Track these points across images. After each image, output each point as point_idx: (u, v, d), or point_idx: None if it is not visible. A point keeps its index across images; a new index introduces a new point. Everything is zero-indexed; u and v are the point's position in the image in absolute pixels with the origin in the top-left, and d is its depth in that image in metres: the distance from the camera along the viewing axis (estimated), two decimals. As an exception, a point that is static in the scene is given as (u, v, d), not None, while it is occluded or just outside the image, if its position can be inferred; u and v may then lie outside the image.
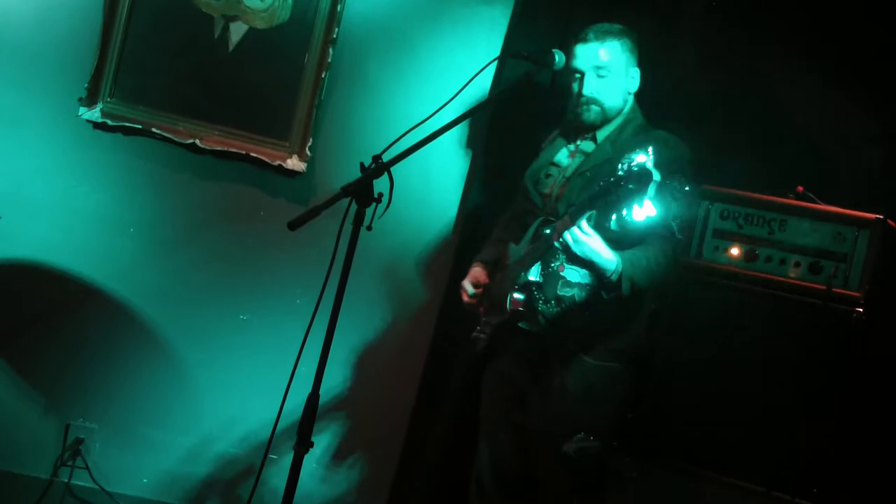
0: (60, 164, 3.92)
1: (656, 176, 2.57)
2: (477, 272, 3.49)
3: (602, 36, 3.21)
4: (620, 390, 3.27)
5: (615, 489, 3.42)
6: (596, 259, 2.93)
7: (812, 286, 3.31)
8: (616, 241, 2.96)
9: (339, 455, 4.12)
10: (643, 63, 3.30)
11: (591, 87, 3.22)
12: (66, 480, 3.96)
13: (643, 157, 2.59)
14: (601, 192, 2.69)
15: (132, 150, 3.94)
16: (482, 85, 3.84)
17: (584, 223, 2.85)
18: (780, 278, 3.37)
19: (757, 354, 3.36)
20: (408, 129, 2.91)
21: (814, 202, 3.42)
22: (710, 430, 3.40)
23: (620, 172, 2.62)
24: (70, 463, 3.97)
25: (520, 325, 3.23)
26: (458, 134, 3.37)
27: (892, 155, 3.55)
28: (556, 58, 3.13)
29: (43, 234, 3.92)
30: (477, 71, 3.11)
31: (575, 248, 2.90)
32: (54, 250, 3.93)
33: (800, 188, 3.47)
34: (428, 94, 3.94)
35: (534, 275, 3.16)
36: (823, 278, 3.29)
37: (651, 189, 2.57)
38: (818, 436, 3.21)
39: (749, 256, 3.44)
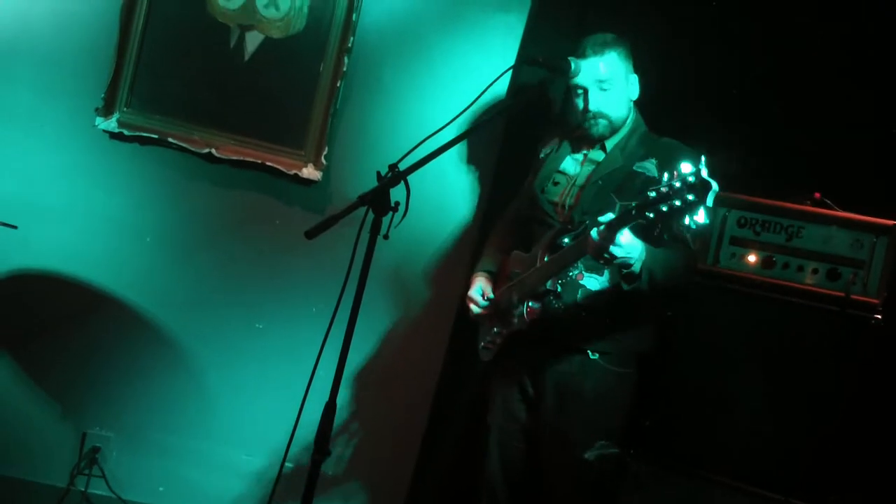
0: (77, 172, 3.95)
1: (715, 186, 2.55)
2: (483, 283, 3.46)
3: (599, 49, 3.19)
4: (635, 396, 3.26)
5: (625, 493, 3.41)
6: (630, 252, 2.90)
7: (830, 293, 3.29)
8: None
9: (353, 463, 4.12)
10: (640, 68, 3.28)
11: (596, 102, 3.21)
12: (83, 489, 3.98)
13: (688, 167, 2.55)
14: (653, 200, 2.62)
15: (149, 159, 3.96)
16: (498, 91, 3.83)
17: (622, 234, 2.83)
18: (798, 285, 3.35)
19: (774, 361, 3.34)
20: (423, 136, 2.93)
21: (831, 209, 3.40)
22: (726, 435, 3.39)
23: (677, 183, 2.56)
24: (87, 471, 3.98)
25: (536, 331, 3.21)
26: (474, 140, 3.37)
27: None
28: (573, 65, 3.13)
29: (60, 241, 3.94)
30: (493, 79, 3.11)
31: (618, 254, 2.86)
32: (71, 258, 3.95)
33: (817, 194, 3.45)
34: (443, 100, 3.94)
35: (549, 284, 3.16)
36: (841, 285, 3.27)
37: (710, 197, 2.54)
38: (835, 443, 3.19)
39: (766, 263, 3.42)
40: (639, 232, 2.87)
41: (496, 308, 3.36)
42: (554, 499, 3.31)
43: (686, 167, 2.56)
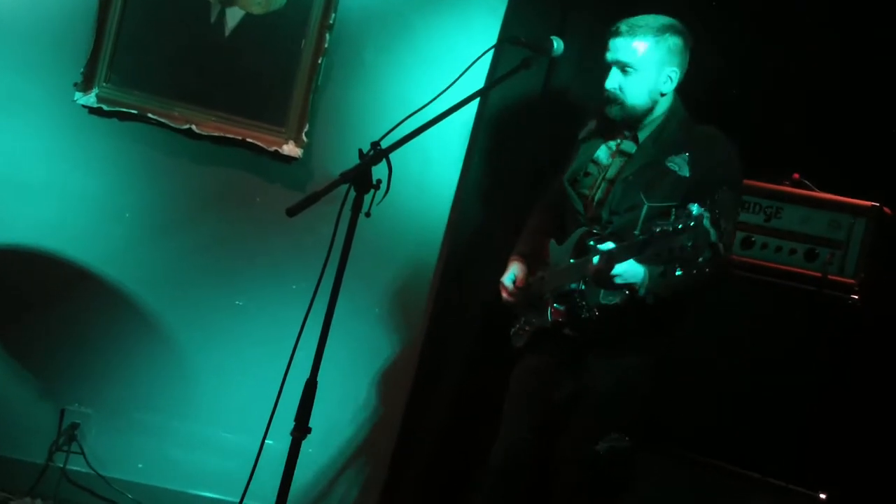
0: (56, 148, 3.91)
1: (713, 237, 2.56)
2: (518, 269, 3.40)
3: (634, 31, 3.08)
4: (651, 387, 3.25)
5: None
6: (629, 282, 2.93)
7: (808, 273, 3.32)
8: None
9: (333, 440, 4.12)
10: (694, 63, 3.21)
11: (613, 83, 3.12)
12: (62, 465, 3.96)
13: (697, 210, 2.57)
14: (650, 243, 2.67)
15: (128, 135, 3.93)
16: (480, 69, 3.82)
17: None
18: (776, 265, 3.38)
19: (752, 341, 3.37)
20: (405, 114, 2.91)
21: (810, 190, 3.43)
22: (704, 415, 3.42)
23: (679, 226, 2.59)
24: (65, 448, 3.96)
25: (562, 331, 3.21)
26: (455, 118, 3.35)
27: (888, 142, 3.55)
28: (555, 45, 3.10)
29: (38, 218, 3.91)
30: (475, 58, 3.10)
31: (616, 281, 2.90)
32: (49, 235, 3.92)
33: (796, 175, 3.48)
34: (425, 78, 3.94)
35: (574, 284, 3.12)
36: (819, 265, 3.30)
37: (707, 254, 2.59)
38: (813, 421, 3.22)
39: (745, 244, 3.45)
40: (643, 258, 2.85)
41: (526, 296, 3.34)
42: (560, 490, 3.28)
43: (695, 209, 2.57)
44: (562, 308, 3.17)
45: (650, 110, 3.16)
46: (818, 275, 3.27)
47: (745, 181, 3.45)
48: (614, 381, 3.18)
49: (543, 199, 3.59)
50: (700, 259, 2.59)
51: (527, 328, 3.35)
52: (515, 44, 3.22)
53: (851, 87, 3.60)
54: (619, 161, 3.22)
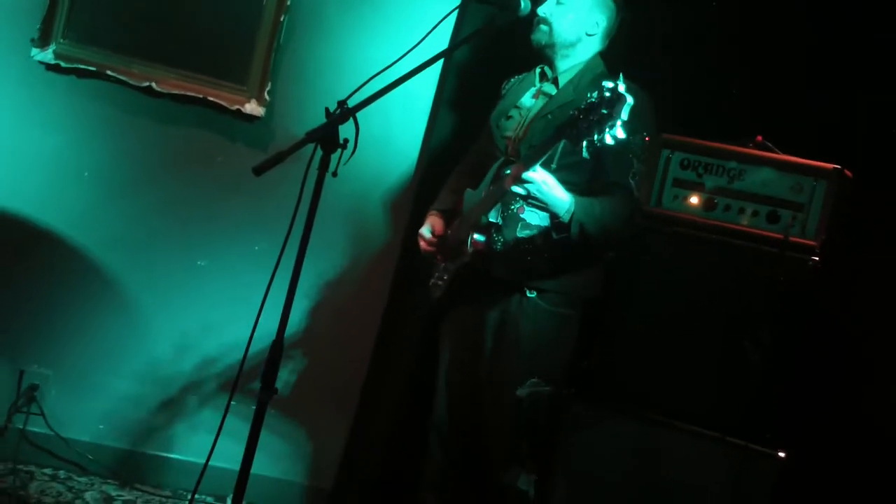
0: (12, 106, 3.84)
1: (629, 99, 2.62)
2: (434, 221, 3.51)
3: None
4: (574, 336, 3.32)
5: (566, 434, 3.46)
6: (550, 200, 3.00)
7: (769, 235, 3.34)
8: (577, 189, 3.00)
9: (296, 400, 4.12)
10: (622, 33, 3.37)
11: (547, 9, 3.29)
12: (21, 427, 3.93)
13: (610, 84, 2.65)
14: (572, 120, 2.72)
15: (87, 93, 3.87)
16: (445, 27, 3.79)
17: (538, 167, 2.90)
18: (738, 227, 3.39)
19: (713, 302, 3.39)
20: (368, 73, 2.89)
21: (773, 152, 3.44)
22: (663, 375, 3.44)
23: (592, 98, 2.67)
24: (25, 409, 3.93)
25: (479, 268, 3.24)
26: (419, 77, 3.33)
27: (850, 104, 3.58)
28: (521, 3, 3.10)
29: (-6, 178, 3.84)
30: (440, 16, 3.08)
31: (531, 189, 2.95)
32: (6, 195, 3.86)
33: (759, 137, 3.49)
34: (389, 37, 3.93)
35: (493, 217, 3.18)
36: (780, 227, 3.32)
37: (625, 111, 2.64)
38: (773, 381, 3.26)
39: (708, 205, 3.45)
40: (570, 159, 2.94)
41: (445, 245, 3.38)
42: (492, 437, 3.36)
43: (606, 83, 2.65)
44: (482, 239, 3.23)
45: (572, 47, 3.33)
46: (780, 236, 3.30)
47: (710, 143, 3.48)
48: (533, 327, 3.24)
49: (462, 161, 3.67)
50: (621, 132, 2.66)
51: (445, 276, 3.40)
52: (482, 2, 3.21)
53: (815, 49, 3.62)
54: (541, 101, 3.34)
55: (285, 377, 4.12)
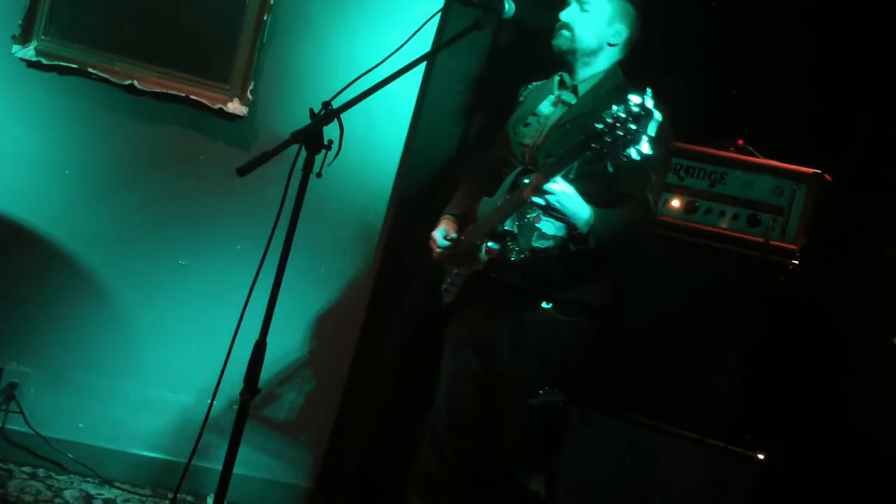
0: (-7, 103, 3.82)
1: (658, 115, 2.60)
2: (447, 225, 3.44)
3: None
4: (586, 345, 3.28)
5: (561, 436, 3.48)
6: (570, 212, 2.93)
7: (750, 238, 3.37)
8: (593, 199, 2.99)
9: (278, 401, 4.12)
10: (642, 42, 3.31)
11: (569, 15, 3.25)
12: (0, 425, 3.90)
13: (636, 98, 2.61)
14: (598, 133, 2.67)
15: (68, 91, 3.84)
16: (428, 28, 3.80)
17: (559, 178, 2.85)
18: (719, 230, 3.43)
19: (695, 305, 3.42)
20: (352, 73, 2.88)
21: (753, 156, 3.47)
22: (647, 378, 3.47)
23: (619, 112, 2.62)
24: (4, 407, 3.90)
25: (492, 276, 3.22)
26: (402, 78, 3.34)
27: (830, 110, 3.61)
28: (506, 6, 3.11)
29: (-26, 175, 3.82)
30: (424, 17, 3.11)
31: (551, 200, 2.88)
32: (-15, 190, 3.84)
33: (740, 141, 3.52)
34: (373, 37, 3.91)
35: (509, 225, 3.15)
36: (761, 231, 3.36)
37: (652, 127, 2.61)
38: (753, 384, 3.29)
39: (689, 208, 3.49)
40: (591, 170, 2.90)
41: (458, 250, 3.35)
42: (498, 445, 3.32)
43: (634, 98, 2.61)
44: (496, 247, 3.19)
45: (594, 55, 3.27)
46: (760, 240, 3.33)
47: (691, 147, 3.50)
48: (547, 337, 3.20)
49: (478, 167, 3.61)
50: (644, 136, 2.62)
51: (457, 283, 3.38)
52: (466, 4, 3.21)
53: (797, 55, 3.65)
54: (560, 109, 3.29)
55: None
